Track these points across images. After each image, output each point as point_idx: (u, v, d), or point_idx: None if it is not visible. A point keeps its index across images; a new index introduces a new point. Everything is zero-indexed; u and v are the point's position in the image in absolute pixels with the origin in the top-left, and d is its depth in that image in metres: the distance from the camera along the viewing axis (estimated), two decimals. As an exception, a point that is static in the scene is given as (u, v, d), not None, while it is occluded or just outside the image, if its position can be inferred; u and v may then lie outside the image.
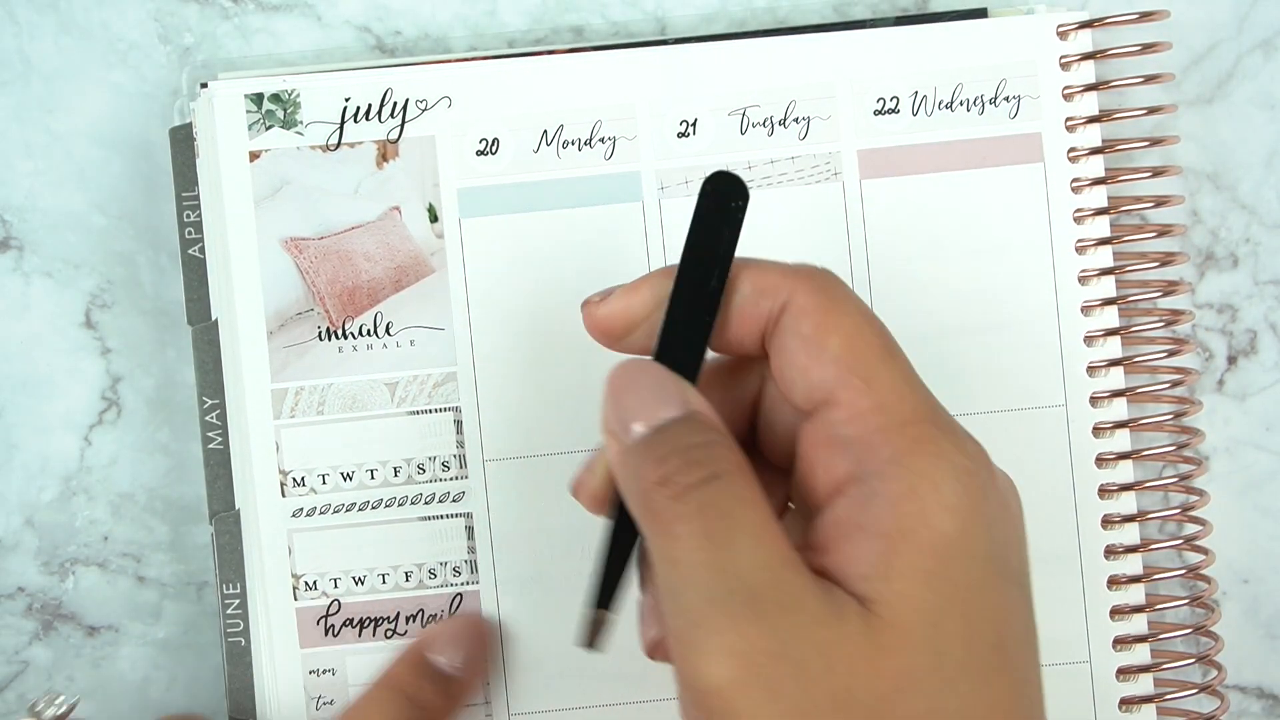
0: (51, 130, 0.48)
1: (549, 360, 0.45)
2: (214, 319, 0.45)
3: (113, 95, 0.48)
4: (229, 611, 0.45)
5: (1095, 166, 0.46)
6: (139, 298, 0.48)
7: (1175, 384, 0.46)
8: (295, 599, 0.45)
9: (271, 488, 0.45)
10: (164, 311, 0.48)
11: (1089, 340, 0.45)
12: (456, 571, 0.45)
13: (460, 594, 0.45)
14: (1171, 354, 0.46)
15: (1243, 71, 0.48)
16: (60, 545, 0.48)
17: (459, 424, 0.45)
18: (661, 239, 0.45)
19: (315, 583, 0.45)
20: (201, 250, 0.45)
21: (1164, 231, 0.46)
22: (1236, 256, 0.48)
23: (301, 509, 0.45)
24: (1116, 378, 0.45)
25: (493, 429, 0.45)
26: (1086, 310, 0.45)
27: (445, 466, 0.45)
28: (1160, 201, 0.46)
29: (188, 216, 0.45)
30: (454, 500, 0.45)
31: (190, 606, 0.48)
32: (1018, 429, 0.45)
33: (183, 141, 0.46)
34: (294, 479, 0.45)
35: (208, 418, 0.46)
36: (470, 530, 0.45)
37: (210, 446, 0.46)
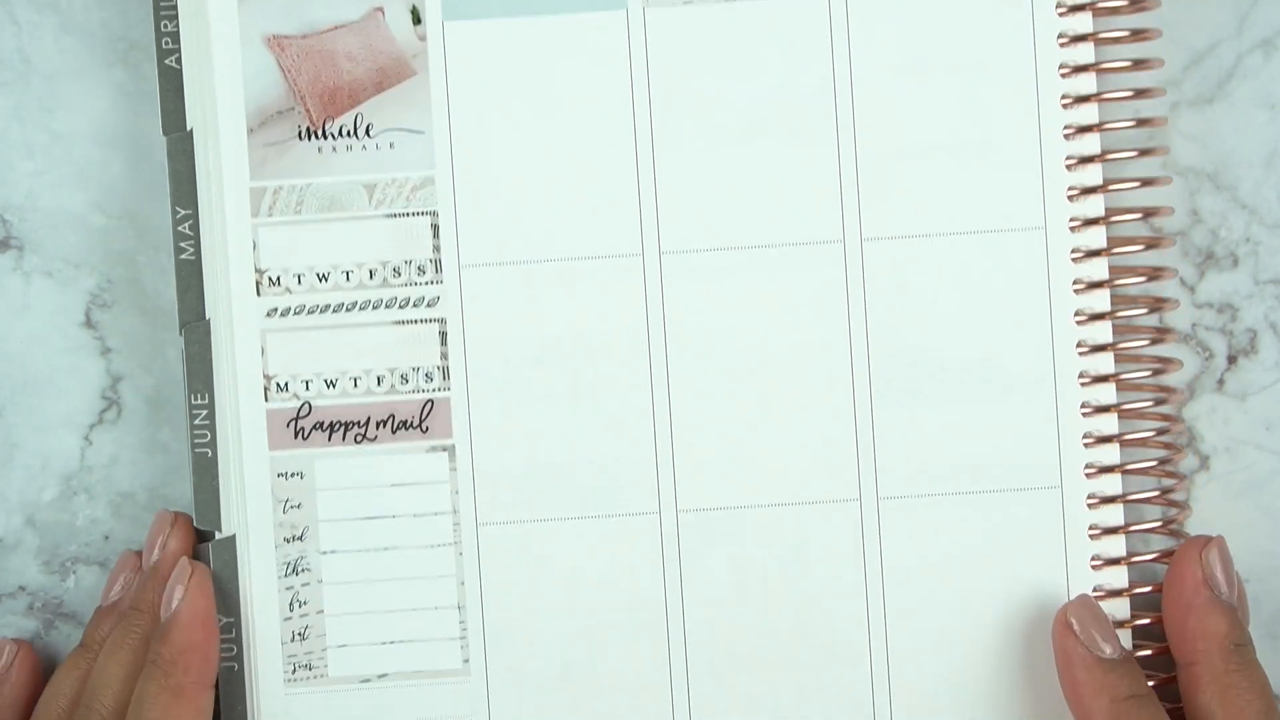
0: (51, 130, 0.48)
1: (528, 168, 0.45)
2: (189, 128, 0.45)
3: (113, 95, 0.48)
4: (196, 423, 0.45)
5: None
6: (139, 297, 0.48)
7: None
8: (266, 400, 0.45)
9: (247, 285, 0.45)
10: (164, 311, 0.48)
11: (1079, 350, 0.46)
12: (428, 378, 0.45)
13: (431, 400, 0.45)
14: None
15: (1243, 71, 0.48)
16: (61, 545, 0.48)
17: (435, 228, 0.45)
18: (645, 52, 0.45)
19: (287, 384, 0.45)
20: (178, 60, 0.45)
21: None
22: (1236, 256, 0.48)
23: (276, 309, 0.45)
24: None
25: (470, 235, 0.45)
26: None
27: (421, 270, 0.45)
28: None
29: (165, 27, 0.45)
30: (428, 305, 0.45)
31: (190, 606, 0.48)
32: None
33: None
34: (269, 278, 0.45)
35: (180, 227, 0.45)
36: (444, 336, 0.45)
37: (182, 257, 0.45)
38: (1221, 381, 0.47)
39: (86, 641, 0.45)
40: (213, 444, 0.45)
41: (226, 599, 0.45)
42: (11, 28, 0.48)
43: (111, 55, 0.48)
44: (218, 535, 0.45)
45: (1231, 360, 0.47)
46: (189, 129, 0.45)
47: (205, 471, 0.45)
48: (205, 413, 0.45)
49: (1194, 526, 0.47)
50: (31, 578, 0.48)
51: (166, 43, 0.45)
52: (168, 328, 0.48)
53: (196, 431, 0.45)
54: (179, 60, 0.45)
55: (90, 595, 0.48)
